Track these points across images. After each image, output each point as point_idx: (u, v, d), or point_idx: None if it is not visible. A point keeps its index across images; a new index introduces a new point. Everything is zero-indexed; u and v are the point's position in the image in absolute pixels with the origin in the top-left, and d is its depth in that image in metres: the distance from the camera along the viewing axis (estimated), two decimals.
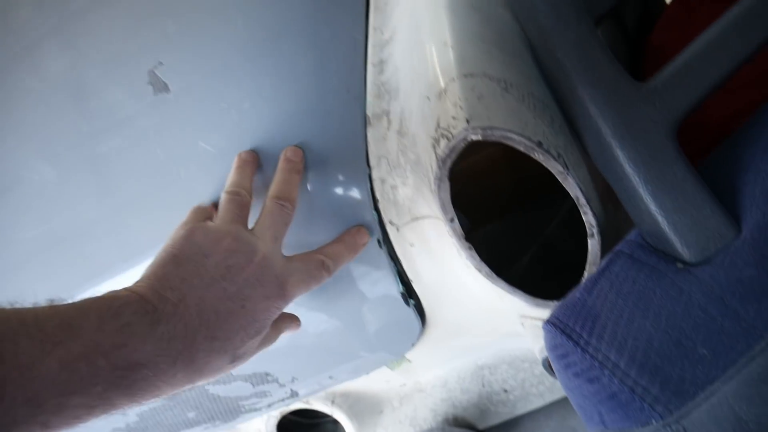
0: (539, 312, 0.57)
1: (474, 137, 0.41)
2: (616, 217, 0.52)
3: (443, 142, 0.43)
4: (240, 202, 0.48)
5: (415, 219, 0.54)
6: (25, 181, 0.60)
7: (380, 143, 0.52)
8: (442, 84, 0.44)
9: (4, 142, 0.64)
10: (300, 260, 0.48)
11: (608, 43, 0.75)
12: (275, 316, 0.45)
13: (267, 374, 0.62)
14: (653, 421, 0.38)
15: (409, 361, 0.69)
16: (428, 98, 0.46)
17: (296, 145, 0.51)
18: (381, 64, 0.54)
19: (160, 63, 0.58)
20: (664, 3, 0.99)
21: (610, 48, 0.65)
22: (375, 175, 0.53)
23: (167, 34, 0.59)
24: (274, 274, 0.45)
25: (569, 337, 0.41)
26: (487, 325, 0.65)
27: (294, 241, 0.52)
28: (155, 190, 0.55)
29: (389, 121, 0.52)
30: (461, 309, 0.62)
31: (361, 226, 0.52)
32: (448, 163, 0.44)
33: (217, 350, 0.41)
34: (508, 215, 0.72)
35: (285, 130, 0.53)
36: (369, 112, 0.53)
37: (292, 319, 0.53)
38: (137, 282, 0.41)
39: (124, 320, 0.37)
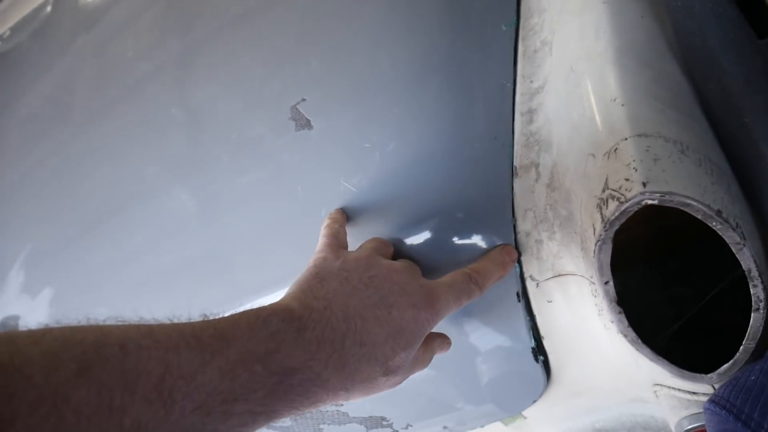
0: (679, 383, 0.54)
1: (650, 201, 0.39)
2: None
3: (613, 204, 0.41)
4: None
5: (558, 275, 0.52)
6: (167, 209, 0.62)
7: (527, 195, 0.51)
8: (613, 143, 0.42)
9: (148, 168, 0.66)
10: (447, 276, 0.48)
11: None
12: (425, 331, 0.45)
13: (383, 418, 0.60)
14: None
15: (524, 417, 0.66)
16: (593, 156, 0.44)
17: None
18: (530, 113, 0.53)
19: (304, 99, 0.59)
20: None
21: None
22: (520, 227, 0.51)
23: (311, 71, 0.60)
24: (419, 284, 0.45)
25: (746, 424, 0.38)
26: (614, 388, 0.61)
27: None
28: (295, 225, 0.55)
29: (538, 174, 0.51)
30: (590, 370, 0.59)
31: (508, 244, 0.51)
32: (616, 226, 0.42)
33: (367, 357, 0.41)
34: (646, 268, 0.68)
35: (429, 174, 0.52)
36: (516, 162, 0.52)
37: (443, 338, 0.52)
38: (283, 297, 0.42)
39: (273, 328, 0.38)
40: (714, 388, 0.50)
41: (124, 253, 0.65)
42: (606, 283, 0.46)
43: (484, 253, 0.51)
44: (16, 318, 0.69)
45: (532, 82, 0.54)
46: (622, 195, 0.40)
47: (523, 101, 0.54)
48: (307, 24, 0.63)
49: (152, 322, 0.35)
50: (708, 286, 0.61)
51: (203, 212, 0.61)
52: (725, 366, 0.47)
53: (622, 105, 0.43)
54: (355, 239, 0.53)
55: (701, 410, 0.46)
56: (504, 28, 0.56)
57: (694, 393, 0.54)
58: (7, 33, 1.13)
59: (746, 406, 0.39)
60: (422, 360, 0.48)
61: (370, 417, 0.60)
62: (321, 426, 0.62)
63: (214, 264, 0.60)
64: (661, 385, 0.57)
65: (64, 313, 0.66)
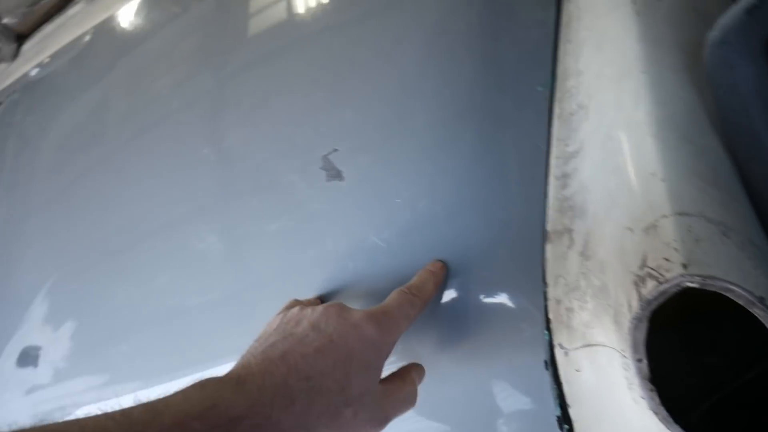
0: None
1: (690, 284, 0.38)
2: None
3: (651, 283, 0.40)
4: None
5: (588, 345, 0.51)
6: (193, 249, 0.62)
7: (559, 262, 0.50)
8: (652, 219, 0.41)
9: (176, 207, 0.66)
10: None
11: None
12: (381, 349, 0.44)
13: None
14: None
15: None
16: (630, 230, 0.43)
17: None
18: (564, 177, 0.52)
19: (336, 150, 0.59)
20: None
21: None
22: (551, 294, 0.50)
23: (345, 121, 0.60)
24: (355, 310, 0.45)
25: None
26: None
27: (461, 353, 0.50)
28: (323, 276, 0.55)
29: (571, 240, 0.50)
30: None
31: (437, 261, 0.51)
32: (653, 306, 0.40)
33: (317, 389, 0.39)
34: (673, 332, 0.67)
35: (460, 234, 0.52)
36: (549, 227, 0.51)
37: (418, 368, 0.50)
38: None
39: (209, 390, 0.36)
40: None
41: (147, 291, 0.66)
42: (639, 360, 0.45)
43: (511, 318, 0.50)
44: (37, 349, 0.69)
45: (567, 145, 0.54)
46: (661, 275, 0.39)
47: (558, 165, 0.53)
48: (343, 73, 0.63)
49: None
50: (739, 358, 0.59)
51: (229, 256, 0.61)
52: None
53: (662, 180, 0.42)
54: (382, 297, 0.52)
55: None
56: (539, 89, 0.56)
57: None
58: (47, 60, 1.15)
59: None
60: (405, 395, 0.46)
61: None
62: None
63: (235, 309, 0.59)
64: None
65: (84, 348, 0.66)
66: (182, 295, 0.62)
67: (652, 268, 0.40)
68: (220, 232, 0.62)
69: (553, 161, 0.54)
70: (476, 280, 0.51)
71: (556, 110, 0.56)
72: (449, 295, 0.52)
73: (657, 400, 0.48)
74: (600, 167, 0.49)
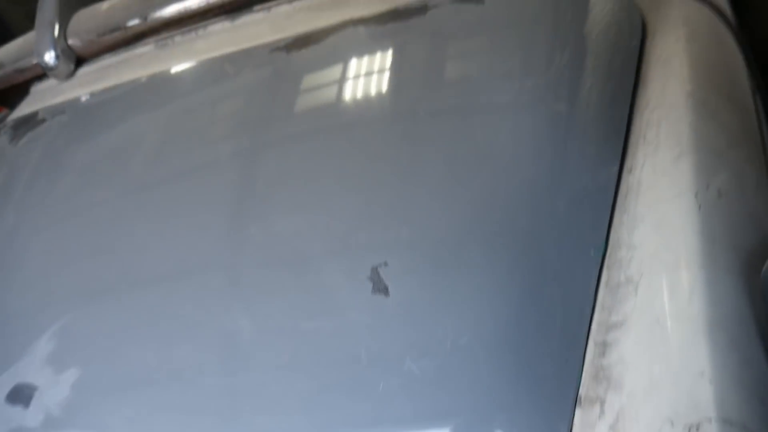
0: None
1: None
2: None
3: None
4: None
5: None
6: (222, 330, 0.62)
7: (587, 430, 0.51)
8: (696, 419, 0.43)
9: (209, 280, 0.67)
10: None
11: None
12: None
13: None
14: None
15: None
16: (671, 423, 0.44)
17: None
18: (604, 346, 0.54)
19: (386, 263, 0.61)
20: None
21: None
22: None
23: (401, 237, 0.62)
24: None
25: None
26: None
27: None
28: (349, 391, 0.55)
29: (602, 411, 0.51)
30: None
31: None
32: None
33: None
34: None
35: (495, 381, 0.53)
36: (582, 391, 0.52)
37: None
38: None
39: None
40: None
41: (164, 359, 0.65)
42: None
43: None
44: (32, 388, 0.67)
45: (610, 315, 0.56)
46: None
47: (599, 331, 0.55)
48: (407, 188, 0.66)
49: None
50: None
51: (257, 345, 0.61)
52: None
53: (710, 383, 0.44)
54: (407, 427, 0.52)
55: None
56: (592, 253, 0.59)
57: None
58: (98, 90, 1.18)
59: None
60: None
61: None
62: None
63: (255, 402, 0.59)
64: None
65: (83, 401, 0.65)
66: (200, 371, 0.61)
67: None
68: (251, 317, 0.62)
69: (594, 327, 0.55)
70: None
71: (604, 277, 0.58)
72: None
73: None
74: (644, 348, 0.50)
